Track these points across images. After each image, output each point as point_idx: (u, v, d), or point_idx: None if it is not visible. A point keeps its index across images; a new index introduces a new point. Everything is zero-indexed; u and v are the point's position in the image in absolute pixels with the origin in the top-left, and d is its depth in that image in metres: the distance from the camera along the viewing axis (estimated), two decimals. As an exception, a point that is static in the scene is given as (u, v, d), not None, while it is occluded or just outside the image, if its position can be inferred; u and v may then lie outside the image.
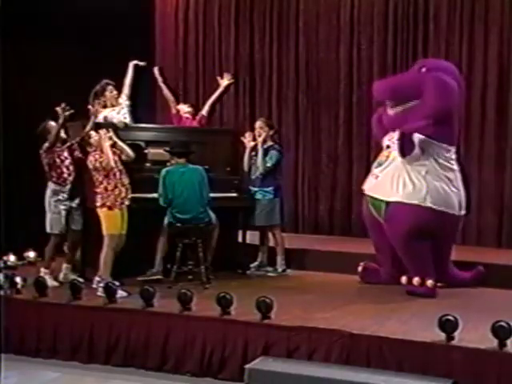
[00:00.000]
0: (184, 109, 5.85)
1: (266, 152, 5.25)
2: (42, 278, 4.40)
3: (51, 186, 4.74)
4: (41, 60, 5.94)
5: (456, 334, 3.45)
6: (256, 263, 5.39)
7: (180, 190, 4.69)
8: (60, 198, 4.71)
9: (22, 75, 5.93)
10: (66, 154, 4.81)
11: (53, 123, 4.78)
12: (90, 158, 4.51)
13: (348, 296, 4.60)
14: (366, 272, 4.98)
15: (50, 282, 4.56)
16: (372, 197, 4.74)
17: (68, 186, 4.76)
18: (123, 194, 4.49)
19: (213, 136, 5.45)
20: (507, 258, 5.24)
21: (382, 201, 4.62)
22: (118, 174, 4.49)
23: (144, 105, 5.60)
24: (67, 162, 4.79)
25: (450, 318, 3.46)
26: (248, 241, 5.39)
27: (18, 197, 5.58)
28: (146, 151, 5.02)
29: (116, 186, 4.46)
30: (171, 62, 7.21)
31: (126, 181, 4.53)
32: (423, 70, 4.65)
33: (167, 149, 4.82)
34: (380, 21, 6.35)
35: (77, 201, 4.77)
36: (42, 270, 4.71)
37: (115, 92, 5.24)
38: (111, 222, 4.44)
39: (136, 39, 6.25)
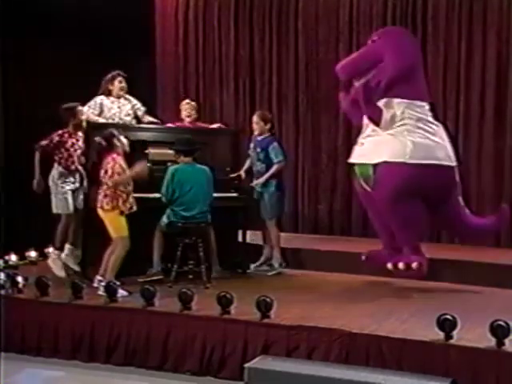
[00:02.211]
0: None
1: (263, 147, 5.25)
2: (44, 278, 4.41)
3: (58, 168, 4.72)
4: (43, 60, 5.96)
5: (454, 333, 3.47)
6: (260, 261, 5.44)
7: (188, 188, 4.71)
8: (67, 180, 4.71)
9: (25, 75, 5.96)
10: (80, 142, 4.77)
11: (82, 108, 4.79)
12: (110, 160, 4.43)
13: (347, 295, 4.62)
14: (369, 259, 4.94)
15: (58, 271, 4.58)
16: (359, 164, 4.72)
17: (76, 175, 4.75)
18: (131, 199, 4.52)
19: (213, 136, 5.47)
20: (506, 258, 5.25)
21: (368, 166, 4.60)
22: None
23: (144, 104, 5.61)
24: (79, 151, 4.78)
25: (448, 317, 3.47)
26: (248, 240, 5.39)
27: (19, 196, 5.60)
28: (146, 151, 5.04)
29: (126, 191, 4.48)
30: (171, 62, 7.24)
31: (131, 186, 4.56)
32: (376, 38, 4.74)
33: (174, 147, 4.83)
34: (379, 21, 6.36)
35: (79, 182, 4.78)
36: (54, 251, 4.72)
37: (124, 84, 5.25)
38: (121, 225, 4.46)
39: (136, 40, 6.28)
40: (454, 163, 4.67)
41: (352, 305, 4.30)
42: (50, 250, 4.79)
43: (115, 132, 4.58)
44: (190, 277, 4.81)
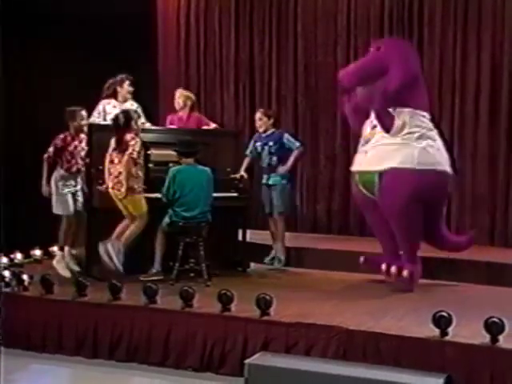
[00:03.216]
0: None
1: (276, 140, 5.38)
2: (49, 276, 4.48)
3: (60, 171, 4.77)
4: (46, 62, 6.02)
5: (450, 329, 3.53)
6: (271, 256, 5.53)
7: (189, 189, 4.78)
8: (67, 183, 4.77)
9: (28, 77, 6.02)
10: (83, 144, 4.83)
11: (84, 113, 4.83)
12: (131, 139, 4.55)
13: (345, 293, 4.69)
14: (367, 262, 5.00)
15: (63, 271, 4.67)
16: (363, 172, 4.77)
17: (78, 177, 4.81)
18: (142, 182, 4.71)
19: (214, 137, 5.53)
20: (500, 256, 5.33)
21: (373, 173, 4.65)
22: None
23: (146, 107, 5.67)
24: (82, 153, 4.83)
25: (443, 314, 3.53)
26: (248, 240, 5.45)
27: (24, 195, 5.66)
28: (148, 152, 5.11)
29: (139, 173, 4.66)
30: (173, 65, 7.30)
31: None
32: (382, 48, 4.80)
33: (176, 149, 4.90)
34: (376, 25, 6.45)
35: (80, 184, 4.85)
36: (58, 252, 4.80)
37: (132, 88, 5.33)
38: (141, 204, 4.64)
39: (138, 43, 6.33)
40: (450, 170, 4.77)
41: (350, 302, 4.37)
42: (55, 250, 4.85)
43: (133, 114, 4.72)
44: (192, 275, 4.88)
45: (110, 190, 4.62)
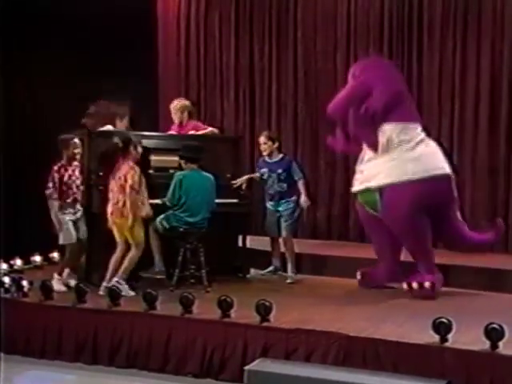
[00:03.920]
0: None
1: (285, 168, 5.32)
2: (49, 282, 4.48)
3: (57, 202, 4.67)
4: (47, 72, 6.04)
5: (450, 336, 3.53)
6: (270, 268, 5.50)
7: (194, 195, 4.80)
8: (66, 211, 4.71)
9: (29, 87, 6.03)
10: (77, 172, 4.76)
11: (77, 141, 4.74)
12: (129, 169, 4.51)
13: (345, 299, 4.69)
14: (364, 278, 5.06)
15: (58, 287, 4.61)
16: (363, 191, 4.84)
17: (77, 205, 4.74)
18: (147, 205, 4.67)
19: (214, 143, 5.55)
20: (500, 263, 5.34)
21: (374, 191, 4.72)
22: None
23: (147, 113, 5.69)
24: (78, 181, 4.76)
25: (443, 320, 3.54)
26: (248, 245, 5.46)
27: (24, 202, 5.66)
28: (149, 158, 5.11)
29: (141, 198, 4.61)
30: (173, 71, 7.34)
31: (146, 192, 4.68)
32: (362, 72, 4.85)
33: (181, 154, 4.90)
34: (375, 32, 6.48)
35: (80, 212, 4.81)
36: (56, 276, 4.72)
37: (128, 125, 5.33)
38: (139, 230, 4.58)
39: (138, 50, 6.35)
40: (450, 172, 4.79)
41: (350, 308, 4.37)
42: (54, 275, 4.76)
43: (134, 138, 4.65)
44: (192, 281, 4.88)
45: (109, 216, 4.58)
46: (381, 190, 4.68)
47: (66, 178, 4.70)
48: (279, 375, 3.45)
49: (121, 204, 4.52)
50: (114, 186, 4.58)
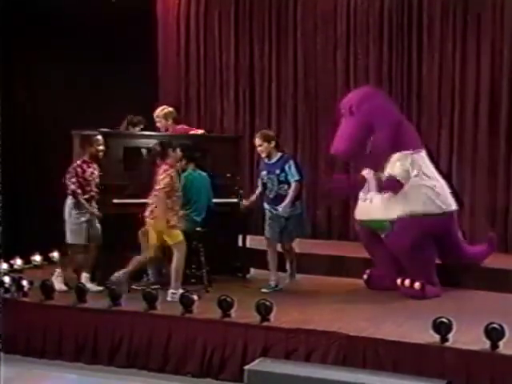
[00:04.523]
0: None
1: (282, 167, 4.90)
2: (49, 282, 4.47)
3: (81, 198, 4.58)
4: (47, 74, 6.04)
5: (450, 335, 3.54)
6: (273, 285, 4.97)
7: (201, 194, 4.85)
8: (82, 211, 4.62)
9: (29, 87, 6.03)
10: (97, 172, 4.70)
11: (100, 138, 4.69)
12: (165, 174, 4.52)
13: (345, 299, 4.69)
14: (372, 279, 5.04)
15: (59, 286, 4.57)
16: (372, 221, 4.88)
17: (93, 204, 4.67)
18: (180, 214, 4.69)
19: (214, 143, 5.55)
20: (500, 262, 5.33)
21: (384, 221, 4.77)
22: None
23: (146, 112, 5.69)
24: (97, 180, 4.70)
25: (444, 320, 3.55)
26: (248, 245, 5.45)
27: (24, 202, 5.65)
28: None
29: (177, 206, 4.63)
30: (173, 71, 7.33)
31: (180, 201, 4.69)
32: (353, 109, 4.84)
33: (187, 154, 4.88)
34: (375, 31, 6.47)
35: (95, 211, 4.71)
36: (58, 270, 4.66)
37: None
38: (177, 233, 4.57)
39: (138, 49, 6.35)
40: (456, 207, 4.93)
41: (350, 308, 4.38)
42: (57, 270, 4.69)
43: (174, 142, 4.67)
44: (193, 281, 4.88)
45: (146, 218, 4.57)
46: (390, 221, 4.72)
47: (87, 174, 4.61)
48: (279, 375, 3.45)
49: (154, 206, 4.52)
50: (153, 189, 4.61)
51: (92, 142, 4.67)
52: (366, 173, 4.96)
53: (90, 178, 4.65)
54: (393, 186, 4.73)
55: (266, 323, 3.90)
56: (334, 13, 6.65)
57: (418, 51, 6.27)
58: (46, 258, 5.49)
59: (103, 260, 4.73)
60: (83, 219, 4.62)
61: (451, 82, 6.21)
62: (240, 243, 5.45)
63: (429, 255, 4.79)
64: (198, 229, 4.84)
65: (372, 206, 4.84)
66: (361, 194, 5.02)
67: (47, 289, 4.41)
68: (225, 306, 4.00)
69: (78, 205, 4.60)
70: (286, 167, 4.89)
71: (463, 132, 6.16)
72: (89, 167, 4.66)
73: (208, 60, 7.22)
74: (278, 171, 4.91)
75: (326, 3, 6.69)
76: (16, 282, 4.51)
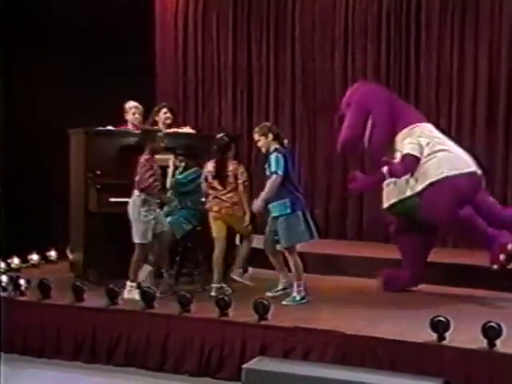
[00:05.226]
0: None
1: (268, 161, 4.49)
2: (46, 281, 4.46)
3: (141, 195, 4.44)
4: (47, 72, 6.04)
5: (447, 334, 3.55)
6: (280, 288, 4.70)
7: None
8: (151, 208, 4.51)
9: (29, 87, 6.03)
10: (157, 166, 4.59)
11: (162, 134, 4.70)
12: (237, 165, 4.68)
13: (343, 298, 4.69)
14: (388, 280, 4.93)
15: (132, 295, 4.40)
16: (402, 200, 4.75)
17: (157, 200, 4.61)
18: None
19: (211, 142, 5.53)
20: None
21: (412, 197, 4.67)
22: None
23: (144, 111, 5.68)
24: (158, 173, 4.60)
25: (441, 318, 3.55)
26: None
27: (24, 201, 5.65)
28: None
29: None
30: (171, 70, 7.34)
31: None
32: (349, 100, 4.90)
33: (180, 152, 4.89)
34: (373, 31, 6.49)
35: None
36: (129, 283, 4.46)
37: (169, 115, 5.30)
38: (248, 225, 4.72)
39: (137, 48, 6.36)
40: (479, 170, 4.82)
41: (348, 307, 4.38)
42: (127, 282, 4.47)
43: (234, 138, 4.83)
44: (190, 279, 4.89)
45: (216, 213, 4.65)
46: (419, 193, 4.65)
47: (154, 170, 4.52)
48: (277, 374, 3.43)
49: (234, 200, 4.63)
50: (217, 185, 4.66)
51: (155, 138, 4.62)
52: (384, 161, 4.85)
53: (158, 173, 4.62)
54: (411, 163, 4.63)
55: (263, 322, 3.90)
56: (333, 12, 6.67)
57: (416, 50, 6.30)
58: (44, 257, 5.49)
59: (102, 259, 4.71)
60: (151, 217, 4.49)
61: (449, 81, 6.24)
62: (237, 242, 5.45)
63: (467, 217, 4.56)
64: (193, 227, 4.84)
65: (396, 187, 4.76)
66: (384, 184, 4.92)
67: (45, 288, 4.40)
68: (223, 305, 4.00)
69: (147, 201, 4.47)
70: (270, 159, 4.43)
71: (461, 131, 6.18)
72: (154, 162, 4.59)
73: (206, 58, 7.23)
74: (266, 165, 4.51)
75: (324, 3, 6.71)
76: (13, 280, 4.50)
